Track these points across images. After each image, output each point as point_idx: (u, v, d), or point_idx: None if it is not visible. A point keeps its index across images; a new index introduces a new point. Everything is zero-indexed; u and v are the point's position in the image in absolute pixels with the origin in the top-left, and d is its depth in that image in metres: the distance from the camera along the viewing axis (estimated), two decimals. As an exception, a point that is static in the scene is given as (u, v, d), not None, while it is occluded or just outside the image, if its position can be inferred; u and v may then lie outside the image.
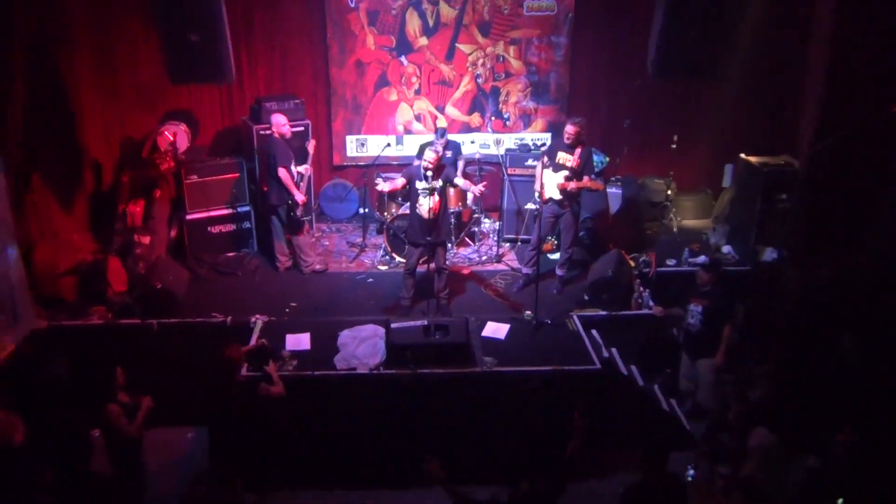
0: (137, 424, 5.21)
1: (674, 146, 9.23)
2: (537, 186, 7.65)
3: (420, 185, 7.20)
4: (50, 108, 7.58)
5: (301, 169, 8.22)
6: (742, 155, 8.92)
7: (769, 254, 8.32)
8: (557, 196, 7.67)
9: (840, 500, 4.88)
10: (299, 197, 8.04)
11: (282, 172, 7.92)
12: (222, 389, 5.50)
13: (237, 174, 8.72)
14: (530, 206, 8.54)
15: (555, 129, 9.86)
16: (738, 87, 8.80)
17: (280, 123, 7.98)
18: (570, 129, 7.60)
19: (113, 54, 8.80)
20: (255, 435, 5.62)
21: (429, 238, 7.26)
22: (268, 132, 8.27)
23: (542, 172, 7.58)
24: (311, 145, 8.53)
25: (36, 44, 7.05)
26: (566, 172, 7.61)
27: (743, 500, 5.19)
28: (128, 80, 8.97)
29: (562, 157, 7.66)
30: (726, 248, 8.79)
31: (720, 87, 8.83)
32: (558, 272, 8.14)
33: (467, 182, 7.74)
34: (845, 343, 5.64)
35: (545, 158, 7.64)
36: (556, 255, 8.39)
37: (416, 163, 7.49)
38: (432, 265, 7.45)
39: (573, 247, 8.09)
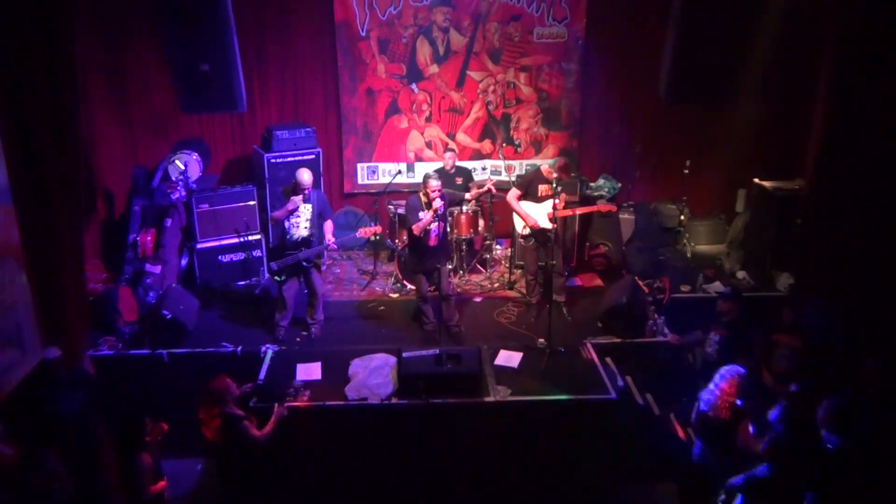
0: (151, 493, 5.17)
1: (686, 171, 9.18)
2: (529, 222, 7.60)
3: (423, 214, 7.17)
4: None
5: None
6: (756, 179, 8.86)
7: (785, 279, 8.23)
8: (548, 225, 7.59)
9: None
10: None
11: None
12: (209, 422, 5.41)
13: (248, 203, 8.70)
14: (519, 239, 8.34)
15: (566, 155, 9.80)
16: (750, 111, 8.76)
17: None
18: (548, 171, 7.58)
19: (125, 83, 8.87)
20: (261, 466, 5.55)
21: (432, 262, 7.31)
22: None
23: (519, 205, 7.59)
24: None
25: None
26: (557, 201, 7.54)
27: None
28: (140, 109, 9.04)
29: (542, 188, 7.64)
30: (741, 274, 8.70)
31: (733, 111, 8.78)
32: (559, 299, 8.03)
33: (475, 189, 7.92)
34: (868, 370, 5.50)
35: (518, 192, 7.65)
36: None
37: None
38: (436, 292, 7.46)
39: (567, 270, 8.13)
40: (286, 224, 7.28)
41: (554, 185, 7.35)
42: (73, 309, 6.27)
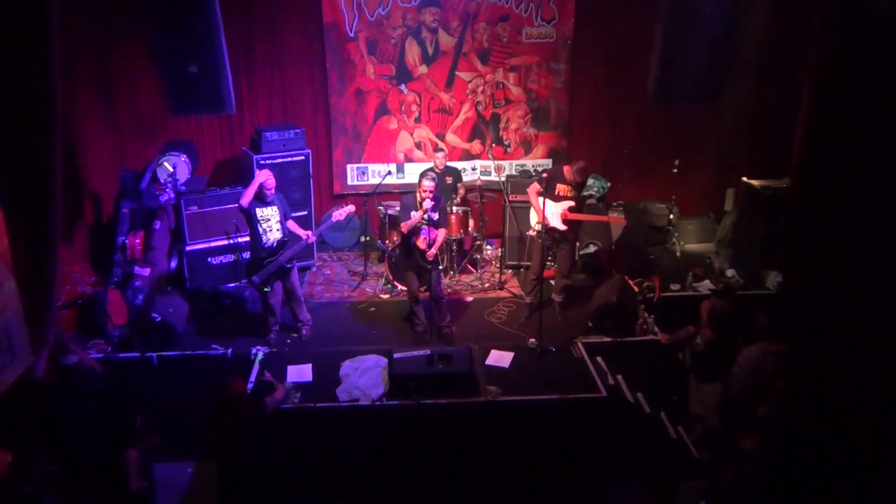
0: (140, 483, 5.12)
1: (675, 170, 9.21)
2: (541, 217, 7.60)
3: (415, 214, 7.16)
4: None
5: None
6: (744, 178, 8.90)
7: (774, 277, 8.27)
8: (561, 226, 7.62)
9: None
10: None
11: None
12: (231, 426, 5.39)
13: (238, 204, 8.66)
14: (531, 232, 8.43)
15: (555, 154, 9.86)
16: (739, 111, 8.79)
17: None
18: (567, 171, 7.62)
19: (113, 85, 8.83)
20: (262, 469, 5.54)
21: (422, 263, 7.26)
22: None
23: (538, 200, 7.60)
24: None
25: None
26: (570, 203, 7.57)
27: None
28: (128, 111, 9.00)
29: (561, 188, 7.64)
30: (730, 273, 8.73)
31: (721, 111, 8.80)
32: (556, 299, 8.08)
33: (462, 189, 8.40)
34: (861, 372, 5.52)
35: (538, 187, 7.66)
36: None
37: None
38: (427, 293, 7.44)
39: (571, 274, 8.10)
40: (259, 231, 7.21)
41: (573, 190, 7.56)
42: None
